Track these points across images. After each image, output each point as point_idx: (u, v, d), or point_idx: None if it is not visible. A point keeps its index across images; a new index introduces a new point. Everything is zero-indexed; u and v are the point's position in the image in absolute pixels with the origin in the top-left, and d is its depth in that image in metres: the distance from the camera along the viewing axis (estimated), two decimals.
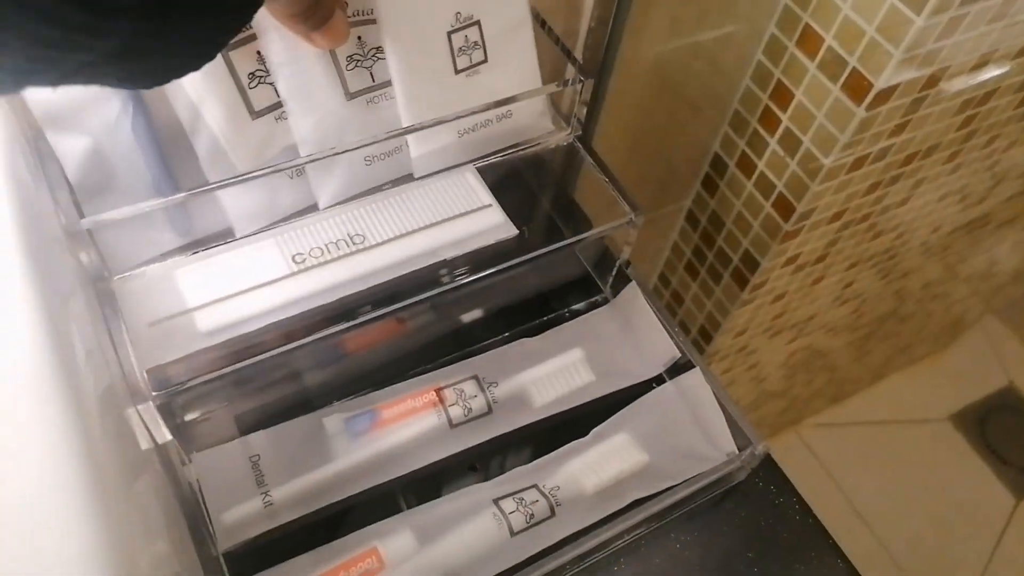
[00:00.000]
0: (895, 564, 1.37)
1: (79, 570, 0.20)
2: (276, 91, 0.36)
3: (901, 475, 1.47)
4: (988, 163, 0.85)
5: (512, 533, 0.38)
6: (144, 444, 0.32)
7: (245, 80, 0.35)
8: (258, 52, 0.35)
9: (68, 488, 0.21)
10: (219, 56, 0.30)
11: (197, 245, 0.39)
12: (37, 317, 0.25)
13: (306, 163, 0.37)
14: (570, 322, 0.46)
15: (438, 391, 0.41)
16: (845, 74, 0.61)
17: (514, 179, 0.47)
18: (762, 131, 0.71)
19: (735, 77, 0.70)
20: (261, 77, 0.36)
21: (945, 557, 1.39)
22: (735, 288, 0.83)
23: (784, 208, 0.72)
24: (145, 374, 0.34)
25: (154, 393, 0.33)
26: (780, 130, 0.69)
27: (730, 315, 0.86)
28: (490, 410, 0.42)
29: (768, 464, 0.44)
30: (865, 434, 1.52)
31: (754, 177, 0.74)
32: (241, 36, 0.34)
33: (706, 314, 0.91)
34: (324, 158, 0.37)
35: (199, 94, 0.34)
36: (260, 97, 0.36)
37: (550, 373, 0.43)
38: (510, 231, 0.41)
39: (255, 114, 0.36)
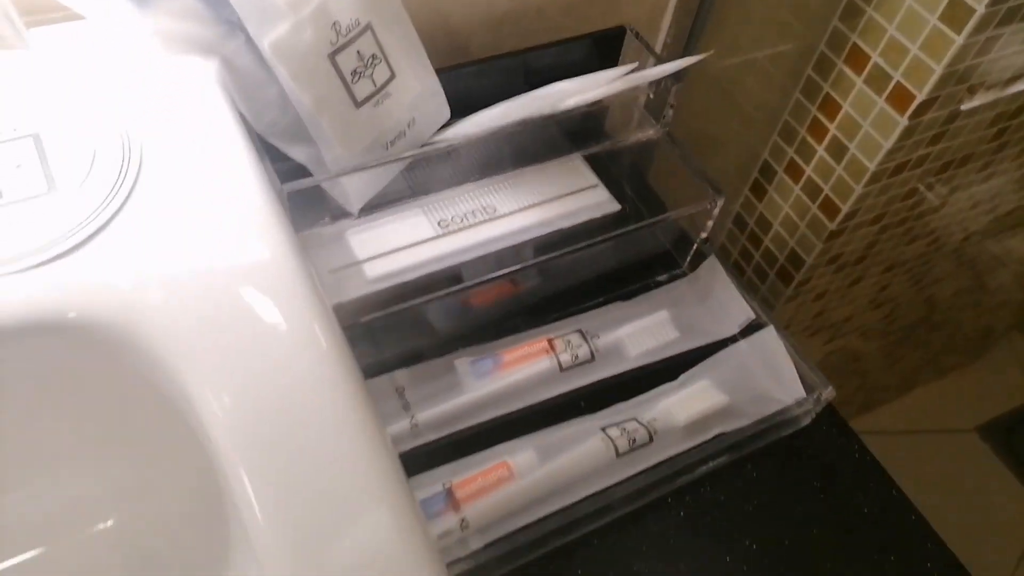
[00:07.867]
0: None
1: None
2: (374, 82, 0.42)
3: (927, 485, 1.51)
4: (1018, 175, 0.92)
5: (618, 454, 0.45)
6: None
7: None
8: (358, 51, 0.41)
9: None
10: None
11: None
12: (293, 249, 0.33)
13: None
14: (656, 290, 0.53)
15: (550, 341, 0.49)
16: (890, 87, 0.68)
17: (597, 166, 0.54)
18: (810, 139, 0.79)
19: (786, 91, 0.78)
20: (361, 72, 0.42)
21: (970, 568, 1.42)
22: (780, 286, 0.90)
23: (830, 209, 0.79)
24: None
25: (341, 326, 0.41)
26: (828, 138, 0.77)
27: (775, 310, 0.93)
28: (593, 358, 0.49)
29: (830, 412, 0.51)
30: (892, 443, 1.56)
31: (802, 181, 0.81)
32: None
33: None
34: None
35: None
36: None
37: (642, 330, 0.51)
38: (614, 206, 0.49)
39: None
